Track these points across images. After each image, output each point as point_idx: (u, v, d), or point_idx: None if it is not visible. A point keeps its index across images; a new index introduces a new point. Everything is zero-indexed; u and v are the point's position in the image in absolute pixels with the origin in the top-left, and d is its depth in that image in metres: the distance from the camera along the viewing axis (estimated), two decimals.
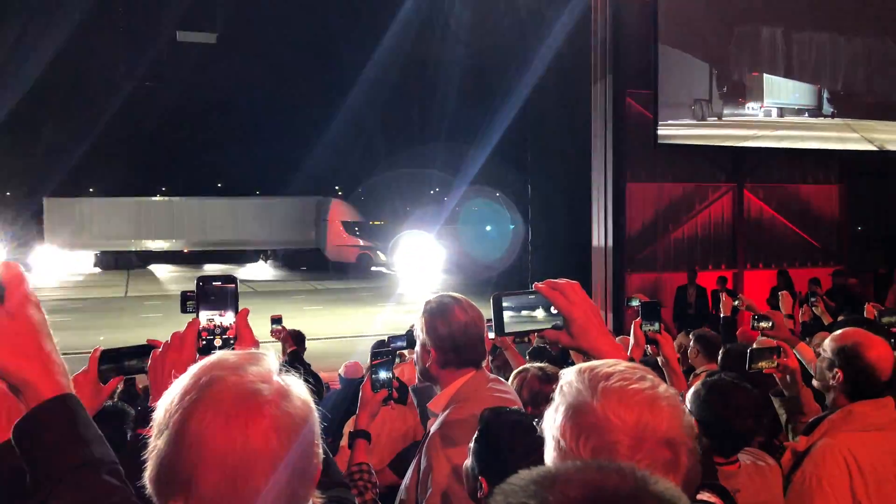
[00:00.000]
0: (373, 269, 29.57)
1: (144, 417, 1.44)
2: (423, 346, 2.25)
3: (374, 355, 2.49)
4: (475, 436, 1.85)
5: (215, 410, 0.90)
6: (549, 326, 1.47)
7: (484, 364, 2.31)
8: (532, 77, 15.24)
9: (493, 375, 2.36)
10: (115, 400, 4.26)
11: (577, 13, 12.34)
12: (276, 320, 5.22)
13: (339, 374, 6.32)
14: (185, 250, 32.13)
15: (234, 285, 1.59)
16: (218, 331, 1.54)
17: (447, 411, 2.17)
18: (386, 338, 4.44)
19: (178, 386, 0.96)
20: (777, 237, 13.17)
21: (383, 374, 2.45)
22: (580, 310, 1.43)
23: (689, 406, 2.36)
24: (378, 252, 29.96)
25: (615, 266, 11.86)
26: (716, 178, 12.88)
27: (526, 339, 5.86)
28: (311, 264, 31.34)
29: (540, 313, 1.49)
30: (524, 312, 1.49)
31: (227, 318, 1.55)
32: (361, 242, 29.97)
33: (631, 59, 11.79)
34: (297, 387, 0.98)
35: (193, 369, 0.97)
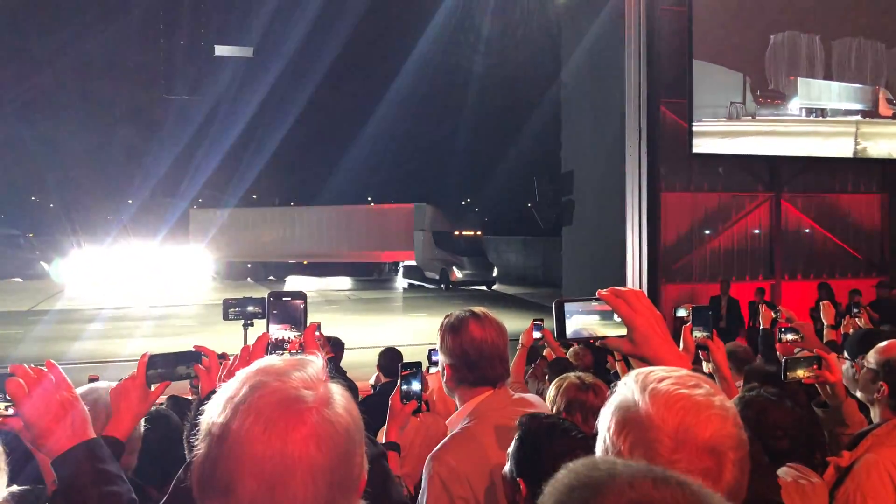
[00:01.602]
0: (448, 286, 26.41)
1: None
2: (441, 361, 2.19)
3: (404, 367, 2.49)
4: (514, 441, 1.81)
5: (256, 416, 0.90)
6: (612, 333, 1.46)
7: (508, 383, 2.20)
8: (565, 85, 15.21)
9: (517, 395, 2.25)
10: (161, 404, 4.37)
11: (610, 22, 12.29)
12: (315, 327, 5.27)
13: (371, 384, 6.33)
14: (305, 262, 30.38)
15: (303, 301, 1.63)
16: (286, 345, 1.56)
17: (455, 430, 2.10)
18: (428, 350, 4.48)
19: (224, 391, 0.96)
20: (816, 248, 12.90)
21: (414, 386, 2.45)
22: (643, 318, 1.41)
23: None
24: (454, 267, 26.62)
25: (650, 276, 11.73)
26: (753, 187, 12.67)
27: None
28: (417, 277, 28.75)
29: (599, 319, 1.47)
30: (587, 319, 1.48)
31: (295, 333, 1.57)
32: (443, 255, 27.10)
33: (665, 67, 11.70)
34: (342, 395, 0.98)
35: (241, 374, 0.97)
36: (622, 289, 1.46)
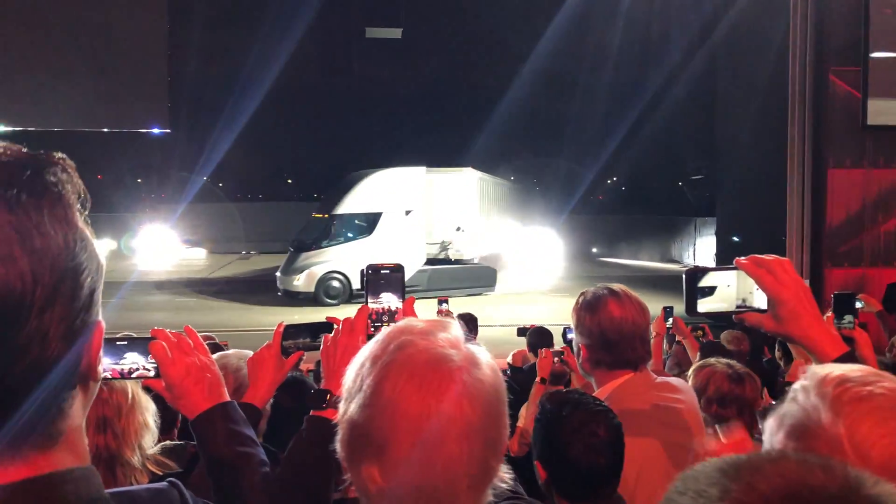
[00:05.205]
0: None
1: (315, 399, 1.50)
2: (577, 342, 2.09)
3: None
4: (535, 424, 1.78)
5: (408, 375, 0.89)
6: (751, 307, 1.30)
7: (649, 366, 2.09)
8: (718, 55, 14.34)
9: (660, 379, 2.11)
10: (311, 371, 4.60)
11: None
12: (443, 301, 5.35)
13: (507, 363, 6.34)
14: None
15: (401, 273, 1.63)
16: (386, 316, 1.57)
17: None
18: (563, 329, 4.40)
19: (366, 351, 0.96)
20: None
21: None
22: (791, 291, 1.23)
23: None
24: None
25: (812, 260, 10.90)
26: None
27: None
28: None
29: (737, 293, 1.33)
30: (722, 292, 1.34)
31: (395, 304, 1.58)
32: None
33: (835, 30, 10.69)
34: (485, 355, 0.97)
35: (381, 335, 0.97)
36: (765, 257, 1.27)
